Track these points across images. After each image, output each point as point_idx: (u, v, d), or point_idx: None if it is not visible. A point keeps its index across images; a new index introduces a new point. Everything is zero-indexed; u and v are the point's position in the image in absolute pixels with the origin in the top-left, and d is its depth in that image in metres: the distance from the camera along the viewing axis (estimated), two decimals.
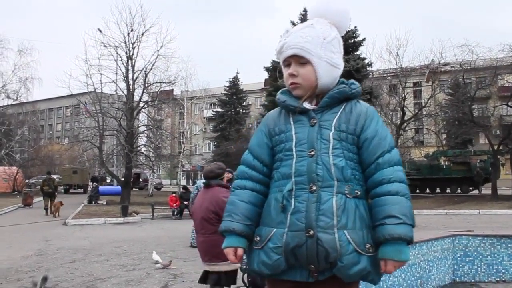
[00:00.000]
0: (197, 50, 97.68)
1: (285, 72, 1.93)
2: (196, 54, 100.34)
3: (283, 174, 1.84)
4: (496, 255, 5.88)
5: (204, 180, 10.80)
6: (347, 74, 24.87)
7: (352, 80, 1.95)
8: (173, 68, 61.62)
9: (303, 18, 27.66)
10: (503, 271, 5.85)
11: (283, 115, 1.94)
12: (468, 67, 26.19)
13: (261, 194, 1.92)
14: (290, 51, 1.87)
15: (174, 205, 18.04)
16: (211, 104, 48.78)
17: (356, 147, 1.84)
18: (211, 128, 50.22)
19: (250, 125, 52.31)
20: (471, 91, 27.62)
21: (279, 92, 1.99)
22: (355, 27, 26.25)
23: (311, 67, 1.87)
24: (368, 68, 26.69)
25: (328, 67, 1.88)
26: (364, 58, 26.39)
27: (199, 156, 54.67)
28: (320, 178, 1.76)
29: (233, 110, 49.45)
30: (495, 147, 26.45)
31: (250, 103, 54.31)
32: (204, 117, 47.82)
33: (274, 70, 27.58)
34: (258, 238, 1.83)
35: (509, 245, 5.88)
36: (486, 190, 29.22)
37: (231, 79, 49.35)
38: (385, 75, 31.45)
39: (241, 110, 50.92)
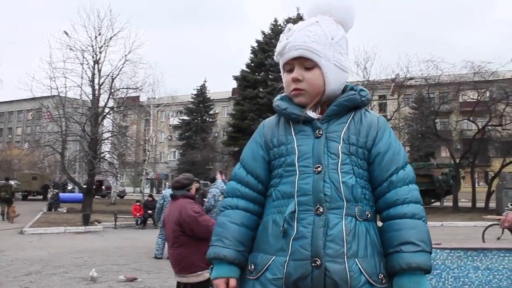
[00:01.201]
0: (166, 56, 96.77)
1: (287, 76, 1.68)
2: (165, 61, 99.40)
3: (283, 192, 1.59)
4: (462, 268, 5.93)
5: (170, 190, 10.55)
6: None
7: (360, 86, 1.72)
8: (140, 74, 60.84)
9: (274, 28, 27.83)
10: (469, 283, 5.88)
11: (283, 125, 1.69)
12: (433, 82, 26.87)
13: (255, 215, 1.68)
14: (295, 52, 1.62)
15: (138, 214, 17.60)
16: (177, 112, 48.37)
17: (366, 163, 1.62)
18: (177, 136, 49.81)
19: (216, 134, 52.21)
20: (435, 106, 28.32)
21: (278, 98, 1.74)
22: None
23: (318, 71, 1.63)
24: None
25: (337, 70, 1.65)
26: None
27: (164, 164, 54.01)
28: (328, 198, 1.53)
29: (199, 118, 49.33)
30: (457, 161, 27.16)
31: (217, 112, 54.22)
32: (170, 125, 47.27)
33: (243, 79, 27.55)
34: (252, 267, 1.59)
35: (475, 258, 5.92)
36: (447, 202, 29.94)
37: (198, 87, 49.23)
38: None
39: (207, 119, 50.91)
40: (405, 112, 32.80)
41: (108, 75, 23.91)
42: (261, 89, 26.05)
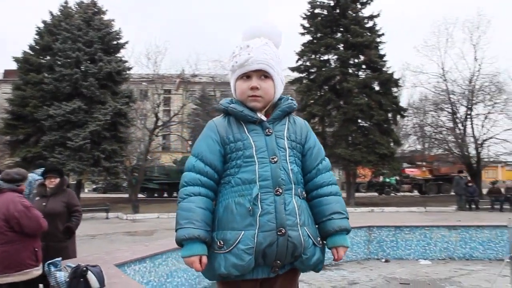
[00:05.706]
0: None
1: (243, 83, 2.03)
2: None
3: (245, 179, 1.93)
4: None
5: None
6: (108, 75, 24.52)
7: (290, 97, 2.16)
8: None
9: (64, 10, 25.97)
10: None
11: (235, 124, 2.02)
12: (219, 81, 29.15)
13: (212, 200, 1.99)
14: (257, 65, 2.00)
15: None
16: None
17: (301, 155, 2.08)
18: None
19: None
20: (214, 103, 30.77)
21: (229, 101, 2.07)
22: (119, 28, 26.14)
23: (271, 83, 2.04)
24: (127, 72, 26.87)
25: (280, 83, 2.09)
26: (126, 61, 26.51)
27: None
28: (284, 182, 1.93)
29: None
30: None
31: None
32: None
33: (25, 62, 25.19)
34: (221, 243, 1.88)
35: None
36: None
37: None
38: (141, 79, 32.24)
39: None
40: (190, 107, 34.61)
41: None
42: (46, 75, 24.06)
